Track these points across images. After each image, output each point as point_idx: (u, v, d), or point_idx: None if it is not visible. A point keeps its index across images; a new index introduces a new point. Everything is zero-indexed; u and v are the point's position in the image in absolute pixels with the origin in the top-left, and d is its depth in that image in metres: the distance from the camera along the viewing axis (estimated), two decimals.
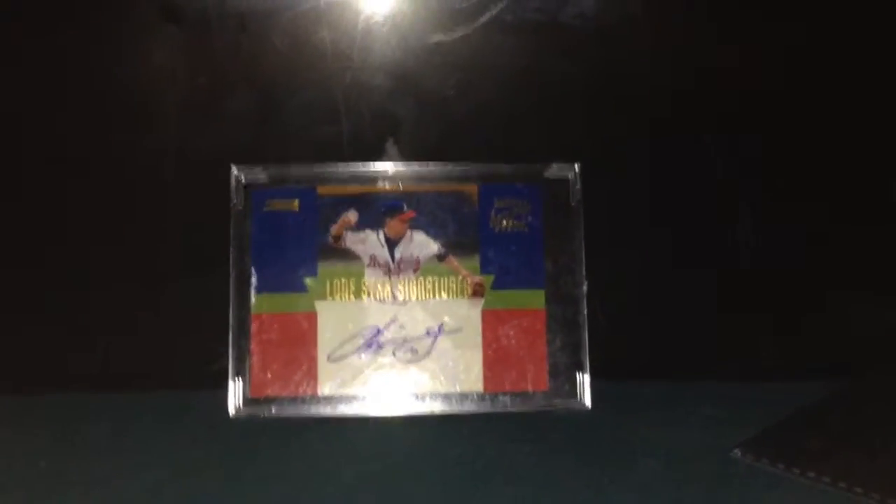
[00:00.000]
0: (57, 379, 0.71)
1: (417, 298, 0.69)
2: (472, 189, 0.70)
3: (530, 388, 0.68)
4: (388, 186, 0.70)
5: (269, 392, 0.67)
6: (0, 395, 0.70)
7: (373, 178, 0.70)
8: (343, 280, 0.69)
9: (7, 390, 0.70)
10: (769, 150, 0.74)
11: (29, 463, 0.59)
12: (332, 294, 0.68)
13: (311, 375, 0.67)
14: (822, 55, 0.74)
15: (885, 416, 0.66)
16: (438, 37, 0.72)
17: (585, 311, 0.68)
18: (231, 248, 0.68)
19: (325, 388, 0.67)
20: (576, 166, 0.70)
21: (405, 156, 0.72)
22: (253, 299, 0.68)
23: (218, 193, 0.68)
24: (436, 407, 0.67)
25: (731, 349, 0.74)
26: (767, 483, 0.55)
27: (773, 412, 0.65)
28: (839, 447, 0.60)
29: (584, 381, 0.68)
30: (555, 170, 0.70)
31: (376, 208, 0.69)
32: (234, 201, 0.68)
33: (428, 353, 0.68)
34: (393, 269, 0.69)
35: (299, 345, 0.68)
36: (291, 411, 0.67)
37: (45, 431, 0.64)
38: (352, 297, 0.69)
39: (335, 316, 0.68)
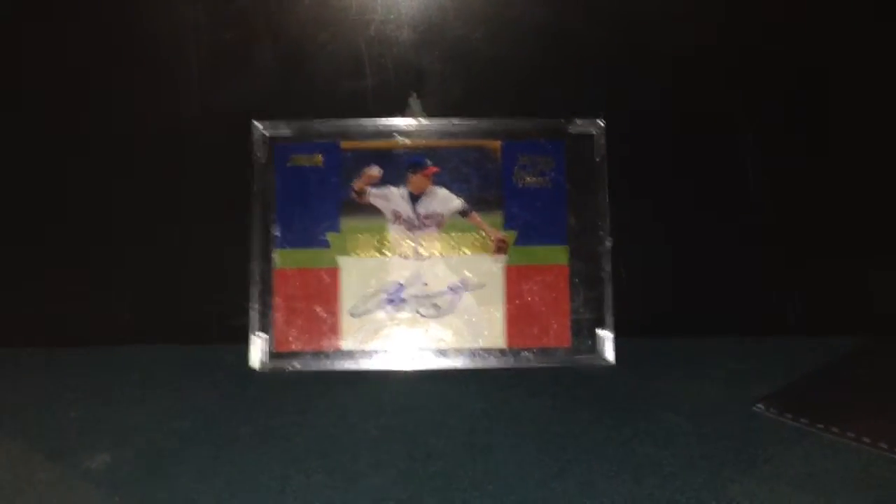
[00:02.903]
0: (88, 333, 0.73)
1: (440, 254, 0.69)
2: (495, 145, 0.70)
3: (553, 344, 0.68)
4: (411, 142, 0.70)
5: (293, 346, 0.68)
6: (31, 348, 0.72)
7: (396, 134, 0.70)
8: (366, 236, 0.69)
9: (38, 343, 0.72)
10: (793, 106, 0.73)
11: (60, 413, 0.60)
12: (354, 250, 0.69)
13: (334, 330, 0.68)
14: (848, 9, 0.72)
15: None
16: None
17: (609, 268, 0.68)
18: (254, 203, 0.68)
19: (347, 343, 0.68)
20: (600, 122, 0.69)
21: (429, 110, 0.71)
22: (276, 254, 0.68)
23: (242, 148, 0.68)
24: (458, 362, 0.68)
25: (754, 305, 0.74)
26: (790, 438, 0.55)
27: (796, 368, 0.66)
28: (862, 403, 0.60)
29: (607, 337, 0.68)
30: (579, 125, 0.70)
31: (399, 164, 0.69)
32: (258, 155, 0.68)
33: (451, 308, 0.68)
34: (416, 225, 0.69)
35: (322, 300, 0.68)
36: (315, 366, 0.67)
37: (75, 383, 0.65)
38: (374, 252, 0.69)
39: (358, 271, 0.68)
